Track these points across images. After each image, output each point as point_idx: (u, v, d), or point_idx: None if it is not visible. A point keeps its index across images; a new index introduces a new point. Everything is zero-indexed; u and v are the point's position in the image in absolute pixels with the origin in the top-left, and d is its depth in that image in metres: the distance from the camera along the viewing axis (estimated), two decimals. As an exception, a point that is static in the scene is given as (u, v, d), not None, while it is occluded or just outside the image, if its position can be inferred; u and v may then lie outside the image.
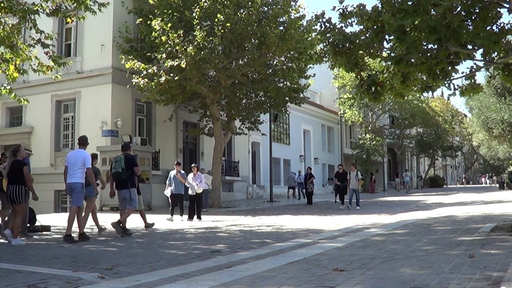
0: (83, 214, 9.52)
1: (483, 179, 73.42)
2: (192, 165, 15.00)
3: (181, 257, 6.62)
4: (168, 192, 13.79)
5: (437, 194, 30.28)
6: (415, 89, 9.67)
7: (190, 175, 14.07)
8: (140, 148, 18.67)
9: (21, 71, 11.52)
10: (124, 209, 9.84)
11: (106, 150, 18.27)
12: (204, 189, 17.79)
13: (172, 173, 13.79)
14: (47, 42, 11.24)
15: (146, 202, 16.27)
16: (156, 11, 17.75)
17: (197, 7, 16.80)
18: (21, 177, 8.58)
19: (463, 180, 69.41)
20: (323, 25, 8.94)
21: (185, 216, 13.67)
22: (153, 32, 16.98)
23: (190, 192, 13.85)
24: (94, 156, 9.89)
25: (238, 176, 26.31)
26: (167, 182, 14.00)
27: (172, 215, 13.54)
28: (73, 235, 8.86)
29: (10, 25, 10.93)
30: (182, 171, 14.13)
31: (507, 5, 7.90)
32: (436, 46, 8.17)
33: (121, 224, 9.56)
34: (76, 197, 8.87)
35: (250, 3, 17.13)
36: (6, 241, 8.50)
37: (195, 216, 13.69)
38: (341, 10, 8.69)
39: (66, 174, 8.91)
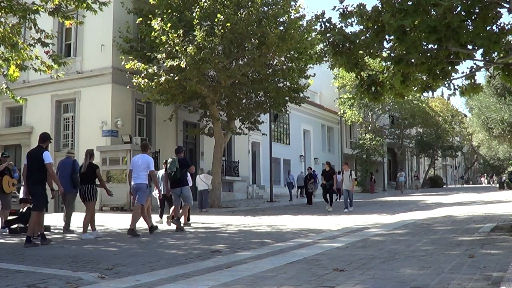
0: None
1: (482, 179, 73.41)
2: (164, 161, 13.05)
3: (181, 257, 6.61)
4: (156, 192, 12.09)
5: (437, 194, 30.28)
6: (415, 89, 9.66)
7: (161, 171, 12.57)
8: (140, 148, 18.65)
9: (23, 69, 11.52)
10: (177, 205, 10.84)
11: (106, 150, 18.28)
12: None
13: (161, 172, 12.63)
14: (47, 41, 11.25)
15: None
16: (156, 11, 17.76)
17: (197, 7, 16.80)
18: (93, 177, 9.54)
19: (460, 179, 69.35)
20: (323, 25, 8.95)
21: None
22: (153, 32, 16.98)
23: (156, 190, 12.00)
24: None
25: (238, 176, 26.31)
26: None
27: (161, 216, 12.52)
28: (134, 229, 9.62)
29: (10, 25, 10.94)
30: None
31: (507, 5, 7.90)
32: (436, 46, 8.17)
33: (177, 218, 10.57)
34: (141, 196, 9.79)
35: (250, 3, 17.14)
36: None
37: (164, 216, 12.03)
38: (341, 10, 8.69)
39: (131, 176, 9.95)
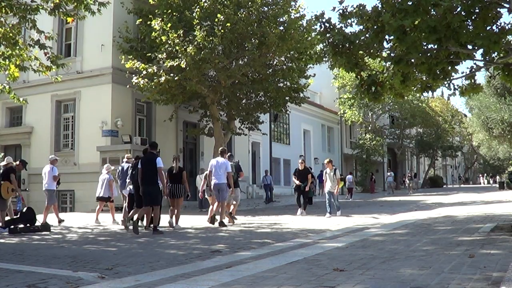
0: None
1: (481, 179, 73.27)
2: (136, 156, 12.40)
3: (181, 257, 6.62)
4: (126, 191, 11.71)
5: (437, 194, 30.28)
6: (415, 89, 9.66)
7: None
8: (140, 148, 18.60)
9: (22, 69, 11.53)
10: (229, 203, 12.15)
11: (106, 150, 18.27)
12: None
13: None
14: (46, 43, 11.24)
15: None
16: (156, 11, 17.75)
17: (197, 7, 16.80)
18: (181, 178, 11.15)
19: (458, 179, 69.38)
20: (322, 26, 8.95)
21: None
22: (153, 32, 16.97)
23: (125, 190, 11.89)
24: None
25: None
26: (127, 180, 11.70)
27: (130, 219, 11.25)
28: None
29: (10, 25, 10.94)
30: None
31: (507, 5, 7.90)
32: (436, 46, 8.17)
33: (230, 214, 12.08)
34: (224, 194, 11.34)
35: (250, 3, 17.13)
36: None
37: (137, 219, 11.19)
38: (341, 10, 8.69)
39: (211, 177, 11.51)
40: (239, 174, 12.72)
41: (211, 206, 12.09)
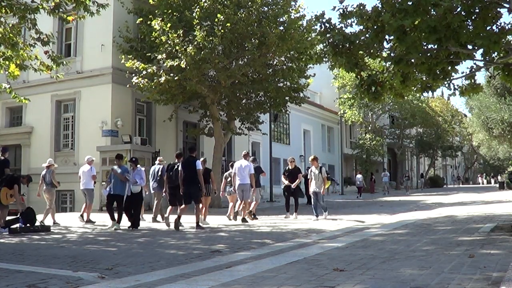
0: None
1: (479, 179, 73.17)
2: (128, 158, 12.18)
3: (181, 257, 6.62)
4: (105, 191, 11.58)
5: (437, 194, 30.28)
6: (415, 89, 9.67)
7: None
8: (140, 148, 18.66)
9: (23, 68, 11.53)
10: (250, 201, 12.96)
11: (106, 150, 18.26)
12: None
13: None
14: (46, 41, 11.24)
15: (146, 202, 16.23)
16: (156, 11, 17.75)
17: (197, 7, 16.79)
18: (208, 178, 11.91)
19: (457, 179, 69.47)
20: (322, 26, 8.95)
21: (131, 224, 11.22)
22: (153, 32, 16.97)
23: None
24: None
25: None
26: (106, 180, 11.67)
27: (118, 222, 11.20)
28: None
29: (10, 25, 10.94)
30: (126, 166, 11.71)
31: (507, 5, 7.90)
32: (436, 46, 8.17)
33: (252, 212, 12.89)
34: (246, 194, 12.52)
35: (250, 3, 17.13)
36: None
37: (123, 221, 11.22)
38: (341, 10, 8.69)
39: (235, 178, 12.66)
40: (261, 174, 13.93)
41: (230, 204, 13.26)
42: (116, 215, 11.15)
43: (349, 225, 11.10)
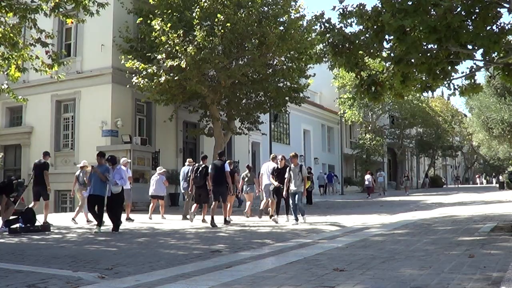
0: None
1: (477, 180, 73.01)
2: (106, 156, 11.25)
3: (181, 257, 6.62)
4: (85, 193, 11.36)
5: (437, 194, 30.28)
6: (415, 89, 9.66)
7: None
8: (140, 148, 18.66)
9: (22, 70, 11.53)
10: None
11: (106, 150, 18.20)
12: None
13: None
14: (47, 41, 11.24)
15: (146, 202, 16.25)
16: (156, 11, 17.75)
17: (197, 7, 16.79)
18: (233, 179, 12.71)
19: (456, 179, 69.49)
20: (322, 26, 8.94)
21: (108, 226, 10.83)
22: (153, 32, 16.97)
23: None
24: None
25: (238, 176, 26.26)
26: (87, 180, 11.16)
27: (99, 224, 10.46)
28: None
29: (11, 25, 10.94)
30: (107, 165, 10.82)
31: (507, 5, 7.90)
32: (436, 46, 8.16)
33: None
34: (269, 194, 13.15)
35: (250, 3, 17.13)
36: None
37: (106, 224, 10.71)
38: (341, 10, 8.68)
39: (262, 178, 13.58)
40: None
41: (248, 202, 14.45)
42: (96, 217, 10.47)
43: (349, 225, 11.08)
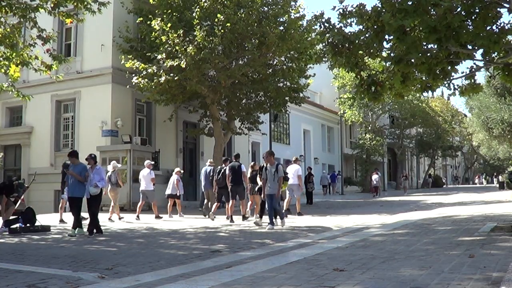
0: (254, 204, 13.10)
1: (476, 180, 72.94)
2: (86, 156, 10.78)
3: (181, 257, 6.62)
4: (64, 196, 11.15)
5: (437, 194, 30.28)
6: (415, 89, 9.66)
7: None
8: (140, 148, 18.67)
9: (24, 65, 11.52)
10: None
11: (106, 150, 18.26)
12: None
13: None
14: (47, 39, 11.24)
15: (146, 202, 16.22)
16: (156, 11, 17.74)
17: (197, 7, 16.78)
18: (255, 179, 12.59)
19: (455, 179, 69.37)
20: (322, 25, 8.94)
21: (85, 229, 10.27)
22: (153, 32, 16.96)
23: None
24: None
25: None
26: (65, 182, 10.85)
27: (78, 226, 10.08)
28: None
29: (11, 25, 10.93)
30: (84, 164, 10.30)
31: (507, 5, 7.90)
32: (436, 46, 8.16)
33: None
34: (297, 193, 14.70)
35: (250, 3, 17.12)
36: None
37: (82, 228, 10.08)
38: (340, 10, 8.68)
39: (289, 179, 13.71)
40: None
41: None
42: (75, 219, 10.00)
43: (349, 225, 11.08)
